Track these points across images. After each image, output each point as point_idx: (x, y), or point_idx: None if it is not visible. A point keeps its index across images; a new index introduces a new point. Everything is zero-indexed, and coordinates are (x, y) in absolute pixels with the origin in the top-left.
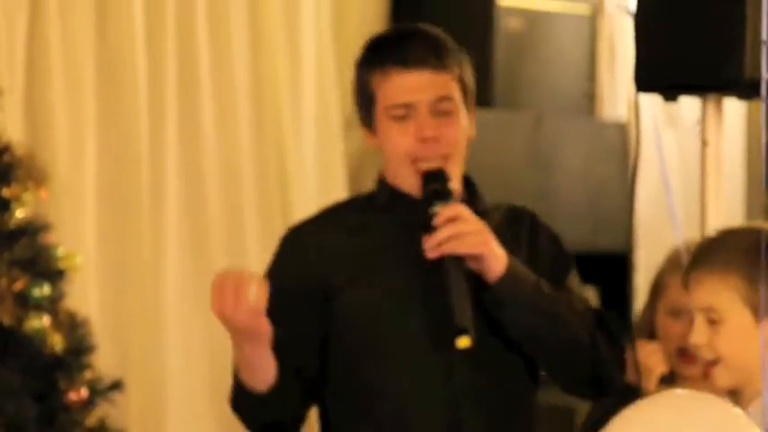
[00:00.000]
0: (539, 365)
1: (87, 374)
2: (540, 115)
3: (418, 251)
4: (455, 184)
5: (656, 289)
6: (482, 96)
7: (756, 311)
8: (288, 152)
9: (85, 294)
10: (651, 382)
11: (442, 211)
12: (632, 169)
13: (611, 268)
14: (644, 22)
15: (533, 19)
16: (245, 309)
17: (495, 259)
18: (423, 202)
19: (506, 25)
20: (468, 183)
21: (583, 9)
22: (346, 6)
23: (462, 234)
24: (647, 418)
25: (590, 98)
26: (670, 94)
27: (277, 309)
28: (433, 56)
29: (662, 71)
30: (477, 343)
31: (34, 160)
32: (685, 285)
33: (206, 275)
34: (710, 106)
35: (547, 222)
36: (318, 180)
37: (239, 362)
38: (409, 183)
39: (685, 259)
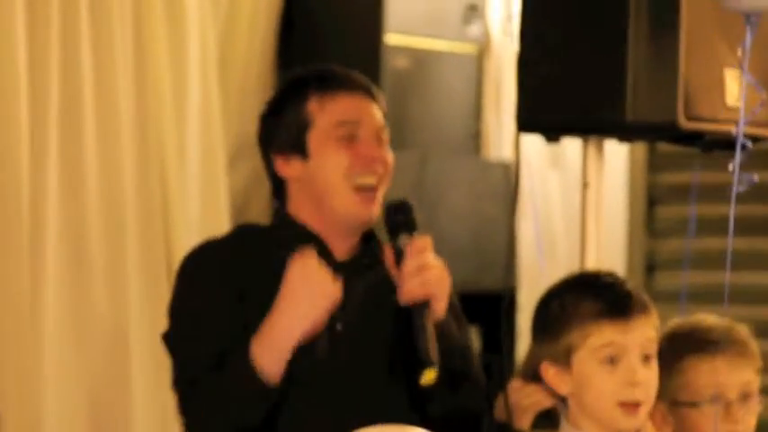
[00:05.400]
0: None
1: None
2: (425, 154)
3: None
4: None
5: None
6: None
7: None
8: (171, 187)
9: None
10: (524, 421)
11: (414, 243)
12: (511, 209)
13: (496, 308)
14: (526, 63)
15: (420, 58)
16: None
17: (444, 301)
18: (389, 232)
19: (393, 64)
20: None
21: (470, 49)
22: (232, 41)
23: (429, 274)
24: None
25: (476, 138)
26: (551, 134)
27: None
28: (370, 87)
29: (543, 112)
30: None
31: None
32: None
33: (86, 308)
34: (591, 148)
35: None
36: (202, 214)
37: (281, 343)
38: (344, 202)
39: None
